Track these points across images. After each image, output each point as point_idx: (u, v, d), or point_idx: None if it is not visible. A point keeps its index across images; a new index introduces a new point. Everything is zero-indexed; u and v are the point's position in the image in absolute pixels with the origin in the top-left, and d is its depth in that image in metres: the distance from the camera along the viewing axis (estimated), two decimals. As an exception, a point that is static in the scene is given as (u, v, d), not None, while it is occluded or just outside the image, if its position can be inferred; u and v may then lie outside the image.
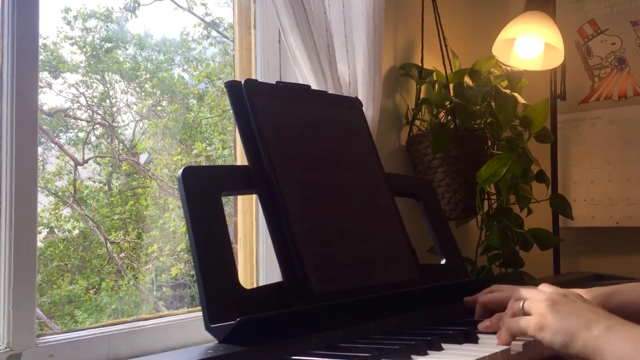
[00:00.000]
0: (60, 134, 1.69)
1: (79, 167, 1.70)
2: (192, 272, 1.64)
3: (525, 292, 0.91)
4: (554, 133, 2.05)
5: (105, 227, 1.72)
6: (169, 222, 1.80)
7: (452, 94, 1.70)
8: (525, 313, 0.88)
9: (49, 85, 1.62)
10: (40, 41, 1.20)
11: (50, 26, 1.58)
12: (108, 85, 1.77)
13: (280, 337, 0.85)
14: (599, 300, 1.00)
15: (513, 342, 0.86)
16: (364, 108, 1.32)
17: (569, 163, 2.17)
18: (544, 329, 0.83)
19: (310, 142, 1.12)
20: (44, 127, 1.59)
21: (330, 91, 1.35)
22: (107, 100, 1.78)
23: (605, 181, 2.11)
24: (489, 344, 0.87)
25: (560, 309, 0.84)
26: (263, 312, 0.90)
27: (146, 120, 1.85)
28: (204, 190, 0.95)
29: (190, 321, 1.29)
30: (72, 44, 1.69)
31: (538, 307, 0.85)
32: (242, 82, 1.06)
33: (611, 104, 2.12)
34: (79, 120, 1.72)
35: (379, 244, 1.13)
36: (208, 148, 1.93)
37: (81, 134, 1.71)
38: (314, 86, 1.32)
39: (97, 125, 1.75)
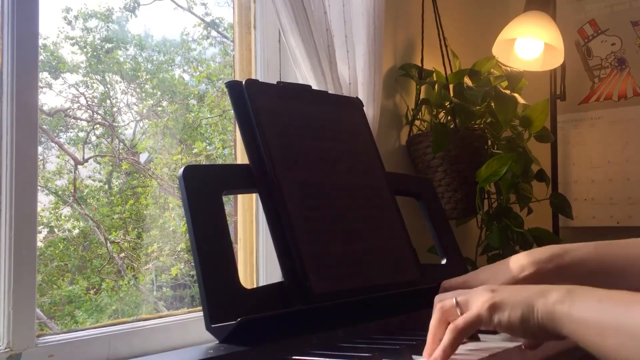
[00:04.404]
0: (61, 134, 1.69)
1: (79, 166, 1.70)
2: (192, 272, 1.64)
3: (448, 292, 0.82)
4: (554, 133, 2.05)
5: (105, 226, 1.72)
6: (169, 221, 1.80)
7: (452, 95, 1.70)
8: (462, 309, 0.77)
9: (49, 86, 1.62)
10: (41, 41, 1.20)
11: (50, 26, 1.58)
12: (108, 86, 1.77)
13: (280, 337, 0.85)
14: (544, 259, 0.91)
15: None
16: (364, 108, 1.32)
17: (569, 162, 2.17)
18: (498, 308, 0.73)
19: (311, 142, 1.12)
20: (44, 126, 1.59)
21: (331, 91, 1.35)
22: (108, 101, 1.78)
23: (605, 180, 2.11)
24: (491, 343, 0.87)
25: (504, 289, 0.75)
26: (263, 312, 0.90)
27: (146, 120, 1.85)
28: (204, 189, 0.95)
29: (190, 321, 1.29)
30: (72, 44, 1.69)
31: (478, 294, 0.75)
32: (243, 82, 1.06)
33: (611, 104, 2.12)
34: (79, 120, 1.72)
35: (380, 244, 1.13)
36: (208, 147, 1.93)
37: (81, 134, 1.70)
38: (314, 86, 1.32)
39: (97, 125, 1.75)
